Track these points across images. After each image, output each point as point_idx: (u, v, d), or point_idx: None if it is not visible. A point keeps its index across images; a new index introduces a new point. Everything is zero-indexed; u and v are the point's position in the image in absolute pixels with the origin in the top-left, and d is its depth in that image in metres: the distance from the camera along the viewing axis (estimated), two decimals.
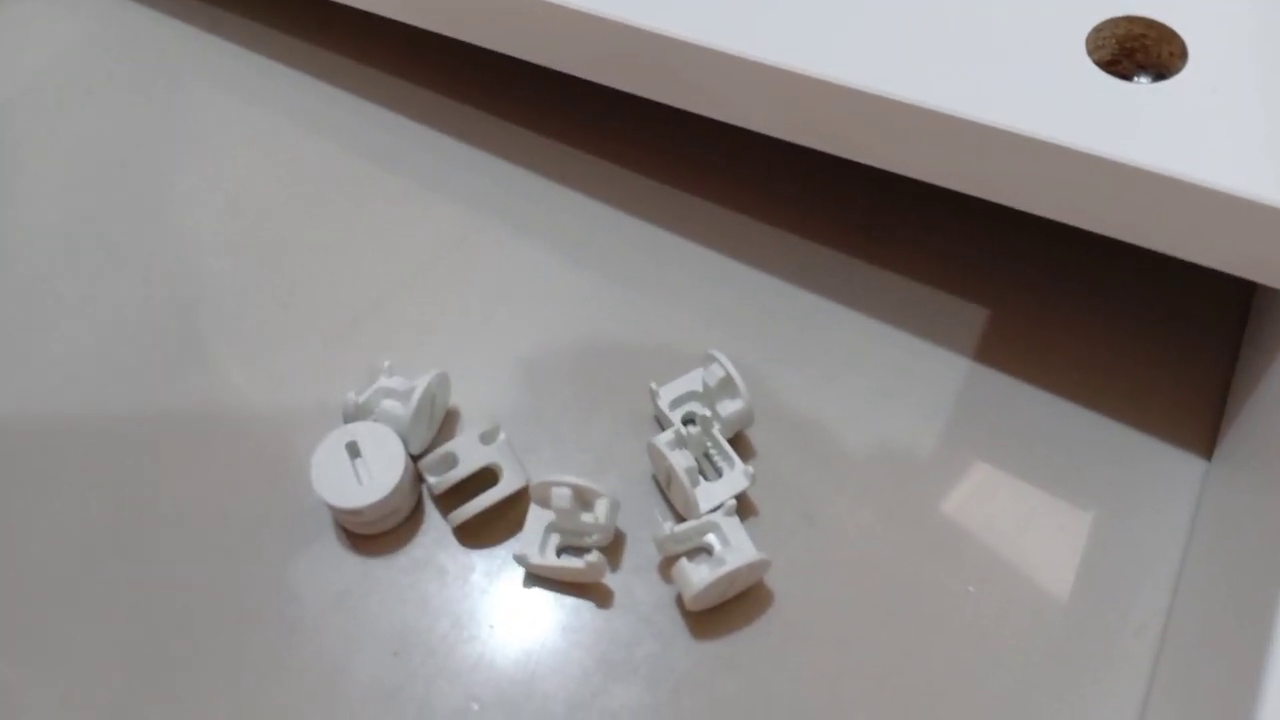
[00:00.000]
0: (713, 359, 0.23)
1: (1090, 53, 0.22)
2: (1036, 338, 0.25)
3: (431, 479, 0.23)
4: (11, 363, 0.26)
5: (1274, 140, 0.20)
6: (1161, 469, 0.23)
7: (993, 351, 0.25)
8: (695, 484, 0.22)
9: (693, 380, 0.24)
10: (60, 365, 0.26)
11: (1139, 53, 0.23)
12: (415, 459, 0.23)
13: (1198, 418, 0.24)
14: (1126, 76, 0.23)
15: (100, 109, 0.32)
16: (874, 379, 0.25)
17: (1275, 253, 0.20)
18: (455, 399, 0.25)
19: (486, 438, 0.23)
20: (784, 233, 0.28)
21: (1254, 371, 0.23)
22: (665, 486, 0.23)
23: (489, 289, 0.27)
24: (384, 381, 0.24)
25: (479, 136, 0.30)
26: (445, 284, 0.27)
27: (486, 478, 0.23)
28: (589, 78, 0.27)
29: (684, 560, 0.21)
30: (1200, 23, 0.22)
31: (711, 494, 0.22)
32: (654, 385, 0.24)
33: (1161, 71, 0.22)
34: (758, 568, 0.21)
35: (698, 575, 0.21)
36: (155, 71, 0.32)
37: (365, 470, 0.22)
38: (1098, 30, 0.23)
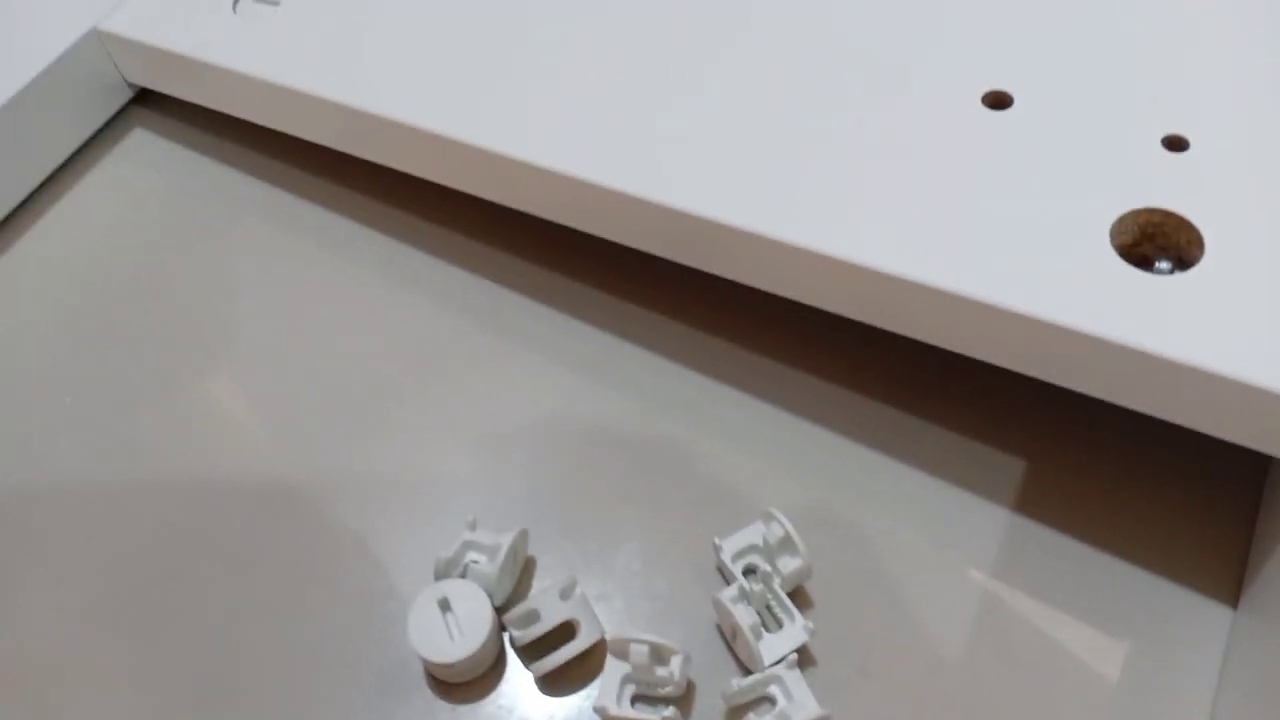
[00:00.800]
0: (772, 517, 0.25)
1: (1113, 238, 0.25)
2: (1071, 489, 0.27)
3: (515, 632, 0.25)
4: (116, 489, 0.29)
5: (1276, 330, 0.22)
6: (1190, 618, 0.25)
7: (1031, 502, 0.27)
8: (759, 638, 0.24)
9: (753, 534, 0.26)
10: (170, 502, 0.29)
11: (1159, 237, 0.25)
12: (499, 610, 0.25)
13: (1224, 569, 0.26)
14: (1148, 259, 0.25)
15: (187, 268, 0.34)
16: (922, 531, 0.27)
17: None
18: (532, 549, 0.27)
19: (565, 593, 0.25)
20: (837, 387, 0.30)
21: (1274, 528, 0.25)
22: (730, 638, 0.25)
23: (562, 444, 0.29)
24: (469, 536, 0.26)
25: (544, 292, 0.32)
26: (520, 440, 0.29)
27: (565, 630, 0.25)
28: (649, 250, 0.29)
29: (751, 716, 0.23)
30: (1217, 216, 0.24)
31: (773, 647, 0.24)
32: (717, 540, 0.26)
33: (1181, 256, 0.25)
34: None
35: None
36: (241, 229, 0.35)
37: (456, 625, 0.24)
38: (1121, 219, 0.25)
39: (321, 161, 0.35)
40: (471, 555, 0.26)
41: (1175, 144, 0.26)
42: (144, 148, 0.37)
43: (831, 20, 0.30)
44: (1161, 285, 0.23)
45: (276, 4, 0.34)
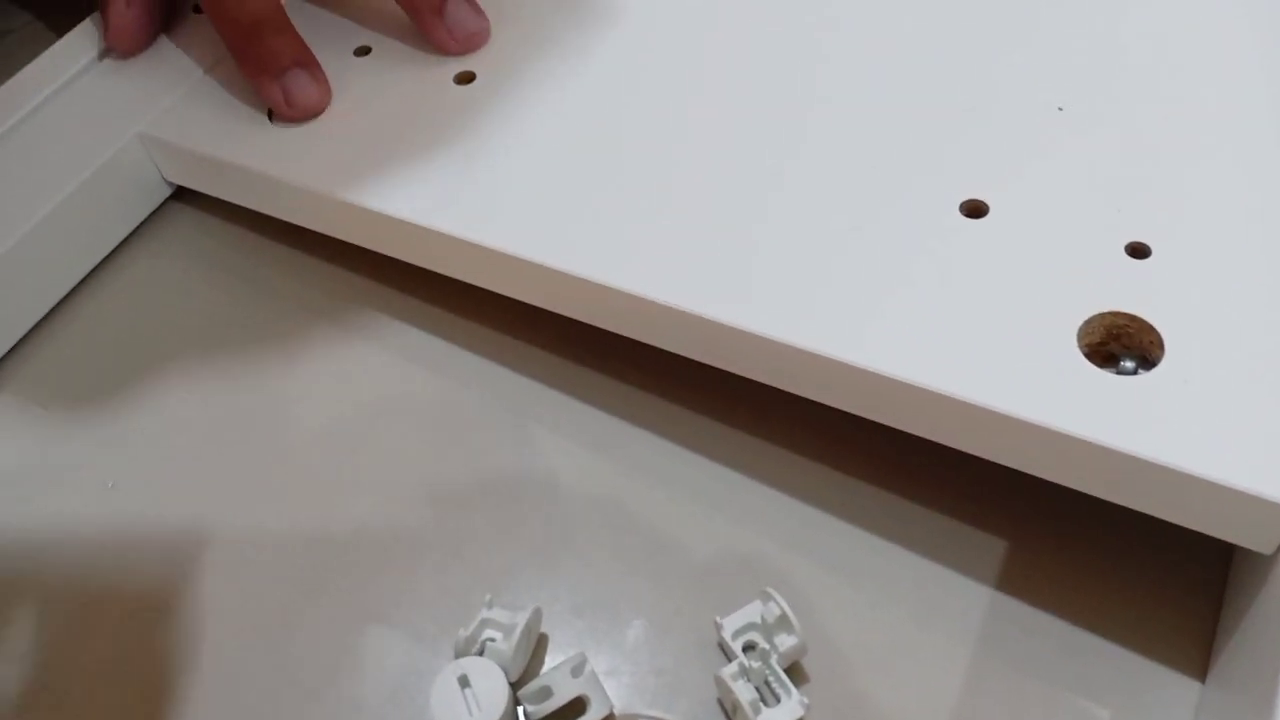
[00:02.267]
0: (770, 597, 0.27)
1: (1081, 338, 0.27)
2: (1050, 568, 0.29)
3: (530, 708, 0.27)
4: None
5: (1237, 430, 0.24)
6: (1162, 691, 0.27)
7: (1011, 581, 0.29)
8: (758, 713, 0.26)
9: (752, 612, 0.28)
10: (189, 567, 0.31)
11: (1124, 338, 0.27)
12: (514, 686, 0.27)
13: (1193, 644, 0.28)
14: (1115, 356, 0.27)
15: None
16: (909, 608, 0.29)
17: (1242, 521, 0.24)
18: (544, 625, 0.29)
19: (576, 670, 0.27)
20: (827, 469, 0.32)
21: (1239, 605, 0.27)
22: (730, 713, 0.27)
23: (569, 522, 0.31)
24: (486, 614, 0.28)
25: (556, 378, 0.35)
26: (527, 518, 0.31)
27: (576, 705, 0.27)
28: (641, 339, 0.31)
29: None
30: (1176, 320, 0.26)
31: None
32: (718, 619, 0.28)
33: (1145, 356, 0.27)
34: None
35: None
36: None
37: (474, 700, 0.26)
38: (1088, 321, 0.27)
39: (341, 250, 0.37)
40: (489, 633, 0.28)
41: (1138, 251, 0.28)
42: (181, 239, 0.40)
43: (830, 128, 0.33)
44: (1123, 385, 0.26)
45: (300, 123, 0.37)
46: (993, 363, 0.26)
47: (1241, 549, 0.28)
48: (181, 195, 0.41)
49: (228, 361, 0.36)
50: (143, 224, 0.40)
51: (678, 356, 0.31)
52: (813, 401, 0.29)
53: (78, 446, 0.34)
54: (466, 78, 0.37)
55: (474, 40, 0.37)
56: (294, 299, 0.38)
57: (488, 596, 0.29)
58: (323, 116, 0.36)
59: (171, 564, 0.31)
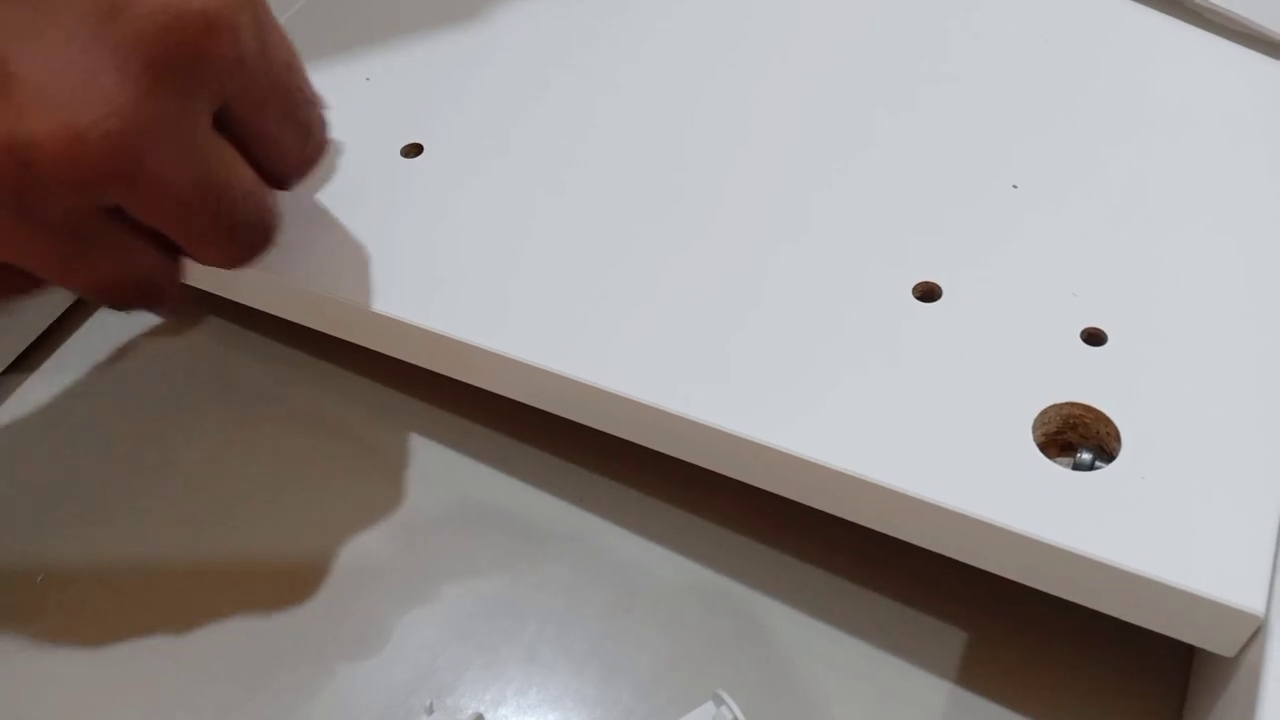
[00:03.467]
0: (722, 700, 0.26)
1: (1036, 429, 0.26)
2: (1010, 661, 0.28)
3: None
4: None
5: (1195, 530, 0.24)
6: None
7: (971, 674, 0.28)
8: None
9: (704, 715, 0.27)
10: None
11: (1080, 428, 0.26)
12: None
13: None
14: (1072, 445, 0.27)
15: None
16: (867, 701, 0.28)
17: (1202, 624, 0.23)
18: None
19: None
20: (778, 553, 0.31)
21: (1202, 702, 0.26)
22: None
23: (516, 620, 0.30)
24: None
25: (501, 462, 0.34)
26: (468, 603, 0.30)
27: None
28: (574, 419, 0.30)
29: None
30: (1133, 410, 0.26)
31: None
32: None
33: (1102, 447, 0.26)
34: None
35: None
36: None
37: None
38: (1044, 411, 0.26)
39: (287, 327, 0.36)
40: None
41: (1094, 337, 0.27)
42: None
43: (778, 209, 0.32)
44: (1077, 481, 0.25)
45: None
46: (944, 456, 0.26)
47: (1201, 657, 0.27)
48: None
49: (151, 437, 0.35)
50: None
51: (626, 441, 0.30)
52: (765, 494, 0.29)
53: None
54: (414, 150, 0.36)
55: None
56: (235, 379, 0.37)
57: (429, 701, 0.27)
58: None
59: (82, 658, 0.30)
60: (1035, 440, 0.26)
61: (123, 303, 0.28)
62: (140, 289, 0.27)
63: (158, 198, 0.25)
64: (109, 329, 0.39)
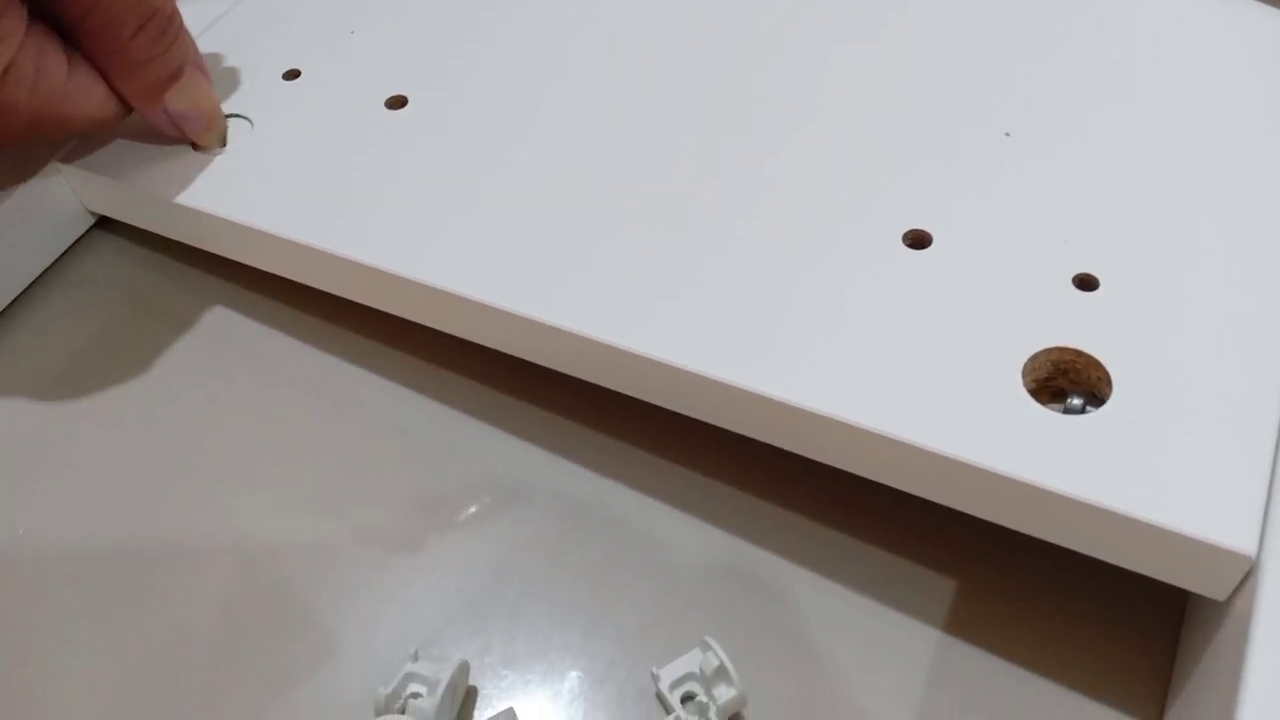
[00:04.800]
0: (708, 646, 0.26)
1: (1026, 375, 0.26)
2: (1001, 609, 0.28)
3: None
4: None
5: (1186, 473, 0.23)
6: None
7: (960, 622, 0.28)
8: None
9: (690, 661, 0.27)
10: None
11: (1071, 374, 0.26)
12: None
13: (1148, 688, 0.27)
14: (1063, 392, 0.26)
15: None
16: (854, 652, 0.28)
17: (1194, 567, 0.23)
18: (474, 678, 0.28)
19: None
20: (769, 504, 0.31)
21: (1195, 647, 0.26)
22: None
23: (501, 568, 0.30)
24: (410, 667, 0.27)
25: (485, 413, 0.33)
26: (453, 560, 0.30)
27: None
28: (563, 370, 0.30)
29: None
30: (1123, 356, 0.26)
31: None
32: (655, 669, 0.27)
33: (1093, 392, 0.26)
34: None
35: None
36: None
37: None
38: (1034, 357, 0.26)
39: (259, 275, 0.36)
40: (413, 687, 0.27)
41: (1086, 283, 0.27)
42: (104, 269, 0.38)
43: (766, 160, 0.32)
44: (1067, 424, 0.25)
45: (223, 151, 0.35)
46: (934, 401, 0.25)
47: (1194, 603, 0.27)
48: (106, 224, 0.39)
49: (145, 395, 0.35)
50: (65, 254, 0.38)
51: (610, 390, 0.30)
52: (751, 440, 0.28)
53: None
54: (399, 102, 0.35)
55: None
56: (220, 334, 0.36)
57: (413, 649, 0.27)
58: (250, 144, 0.35)
59: (78, 609, 0.30)
60: (1026, 386, 0.26)
61: None
62: None
63: None
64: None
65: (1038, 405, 0.25)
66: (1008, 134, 0.31)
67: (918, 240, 0.29)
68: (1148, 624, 0.28)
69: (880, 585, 0.29)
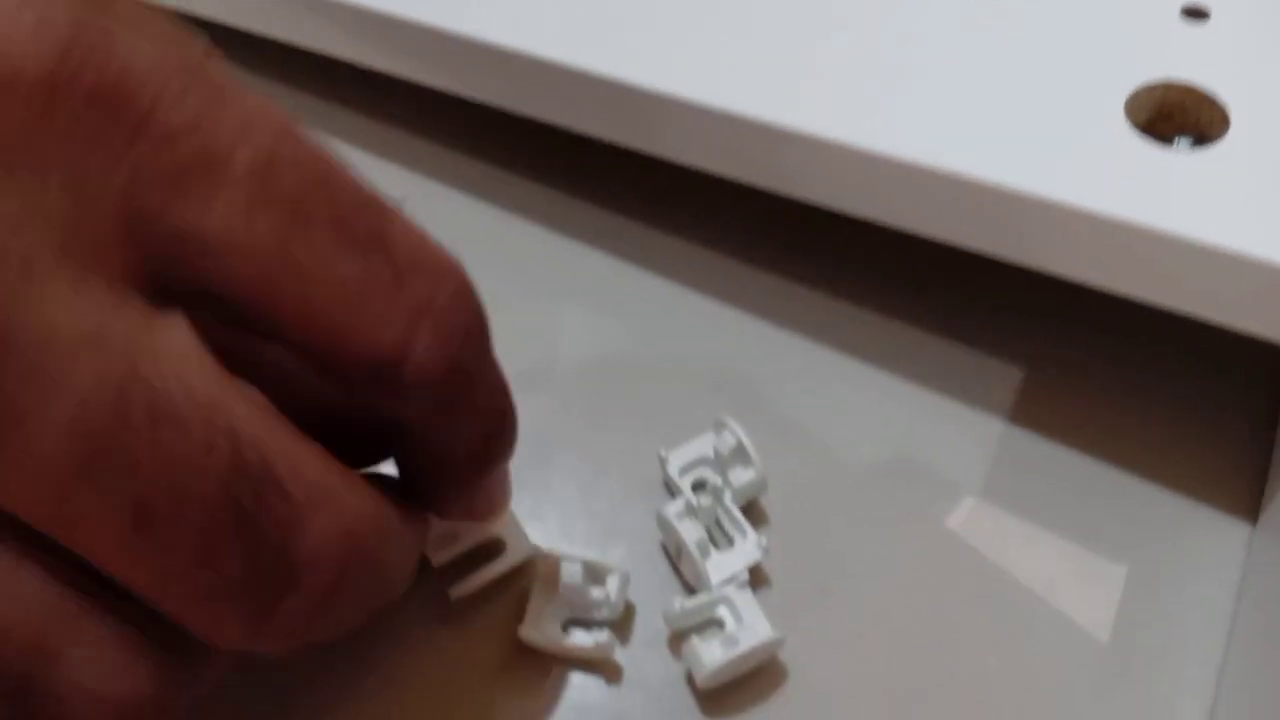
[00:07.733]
0: (724, 425, 0.22)
1: (1128, 115, 0.22)
2: (1072, 398, 0.24)
3: (433, 554, 0.22)
4: None
5: None
6: (1204, 534, 0.22)
7: (1027, 413, 0.24)
8: (705, 556, 0.21)
9: (703, 445, 0.23)
10: None
11: (1178, 116, 0.22)
12: None
13: (1241, 482, 0.23)
14: (1166, 138, 0.22)
15: None
16: (899, 443, 0.24)
17: None
18: None
19: None
20: (805, 289, 0.27)
21: None
22: (675, 557, 0.22)
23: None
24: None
25: (481, 186, 0.29)
26: None
27: (491, 548, 0.22)
28: (594, 134, 0.26)
29: (694, 638, 0.20)
30: (1241, 90, 0.21)
31: (722, 565, 0.21)
32: (662, 452, 0.23)
33: (1203, 134, 0.22)
34: (771, 646, 0.20)
35: (709, 656, 0.20)
36: None
37: None
38: (1135, 95, 0.22)
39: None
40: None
41: (1195, 13, 0.23)
42: None
43: None
44: (1181, 163, 0.21)
45: None
46: (1028, 142, 0.21)
47: None
48: None
49: None
50: None
51: (612, 164, 0.26)
52: (792, 211, 0.24)
53: None
54: None
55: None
56: None
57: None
58: None
59: None
60: (1133, 123, 0.21)
61: None
62: None
63: None
64: None
65: (1142, 141, 0.21)
66: None
67: None
68: (1241, 413, 0.24)
69: (936, 375, 0.25)
